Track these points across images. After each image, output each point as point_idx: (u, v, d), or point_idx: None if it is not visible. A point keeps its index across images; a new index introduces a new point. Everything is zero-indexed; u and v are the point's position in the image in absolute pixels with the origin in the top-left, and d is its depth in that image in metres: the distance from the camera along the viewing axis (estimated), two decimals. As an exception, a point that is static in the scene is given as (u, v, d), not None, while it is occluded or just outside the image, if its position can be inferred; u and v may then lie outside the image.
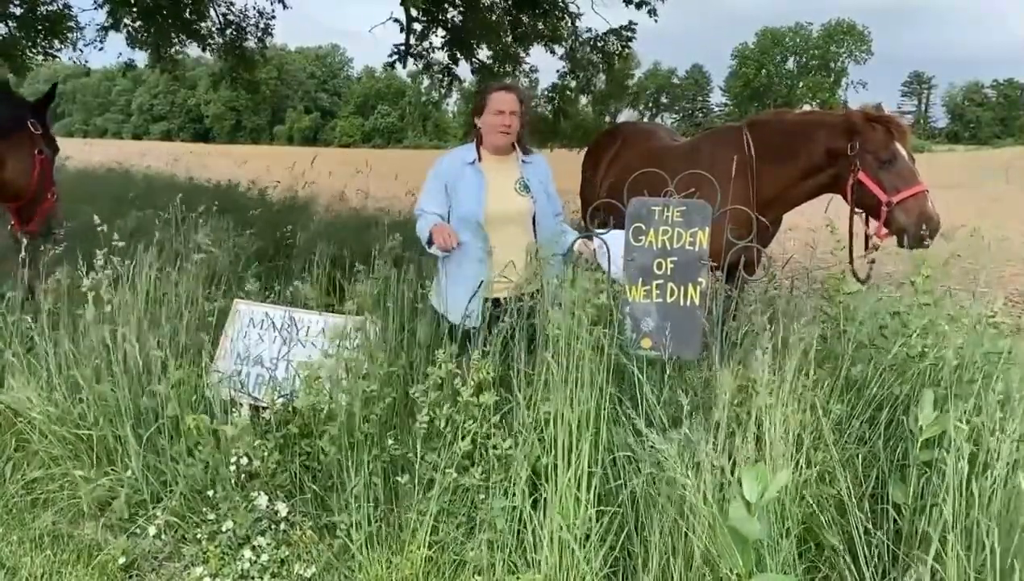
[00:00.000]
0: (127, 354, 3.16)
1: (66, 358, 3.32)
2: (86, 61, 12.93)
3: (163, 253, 3.80)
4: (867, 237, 3.81)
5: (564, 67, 11.67)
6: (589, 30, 11.46)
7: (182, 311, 3.58)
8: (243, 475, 2.91)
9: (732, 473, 2.31)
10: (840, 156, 3.84)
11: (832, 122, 3.98)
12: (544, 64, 11.99)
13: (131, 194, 8.75)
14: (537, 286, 3.12)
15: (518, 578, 2.52)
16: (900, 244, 3.71)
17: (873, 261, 3.74)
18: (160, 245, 3.77)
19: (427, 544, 2.65)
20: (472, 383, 2.73)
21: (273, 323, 3.47)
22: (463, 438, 2.72)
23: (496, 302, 3.30)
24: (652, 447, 2.40)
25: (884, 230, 3.72)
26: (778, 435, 2.40)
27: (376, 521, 2.75)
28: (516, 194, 3.52)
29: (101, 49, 12.16)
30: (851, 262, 3.82)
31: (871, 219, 3.84)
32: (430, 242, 3.35)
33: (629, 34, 11.00)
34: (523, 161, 3.62)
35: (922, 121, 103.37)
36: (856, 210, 3.89)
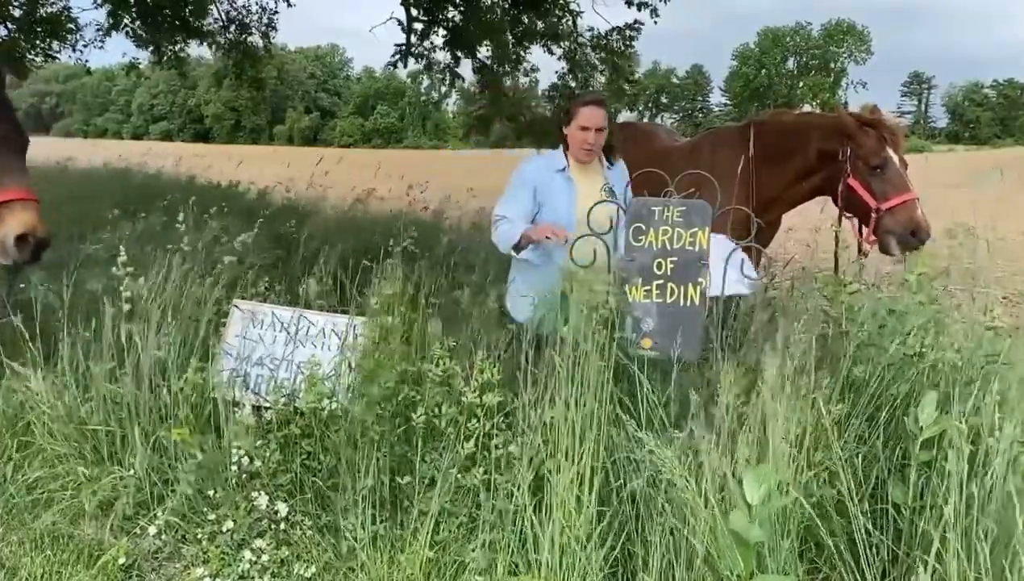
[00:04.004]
0: (140, 353, 3.16)
1: (85, 351, 3.31)
2: (86, 61, 12.95)
3: (184, 256, 3.75)
4: (859, 242, 3.81)
5: (564, 68, 11.69)
6: (591, 29, 11.49)
7: (198, 313, 3.58)
8: (244, 475, 2.91)
9: (733, 475, 2.32)
10: (832, 159, 3.84)
11: (825, 125, 3.98)
12: (545, 63, 12.01)
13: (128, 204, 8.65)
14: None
15: (519, 579, 2.52)
16: (882, 250, 3.71)
17: (863, 266, 3.74)
18: (175, 250, 3.73)
19: (428, 545, 2.66)
20: (476, 383, 2.73)
21: (282, 323, 3.47)
22: (467, 439, 2.72)
23: None
24: (651, 451, 2.40)
25: (873, 236, 3.72)
26: (780, 436, 2.40)
27: (382, 521, 2.75)
28: (604, 200, 3.40)
29: (101, 47, 12.19)
30: (836, 266, 3.82)
31: (862, 224, 3.84)
32: (518, 246, 3.28)
33: (632, 33, 11.04)
34: (606, 167, 3.58)
35: (922, 121, 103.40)
36: (847, 214, 3.89)
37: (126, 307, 3.20)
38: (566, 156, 3.51)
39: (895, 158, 3.70)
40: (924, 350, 2.74)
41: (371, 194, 9.80)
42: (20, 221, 2.92)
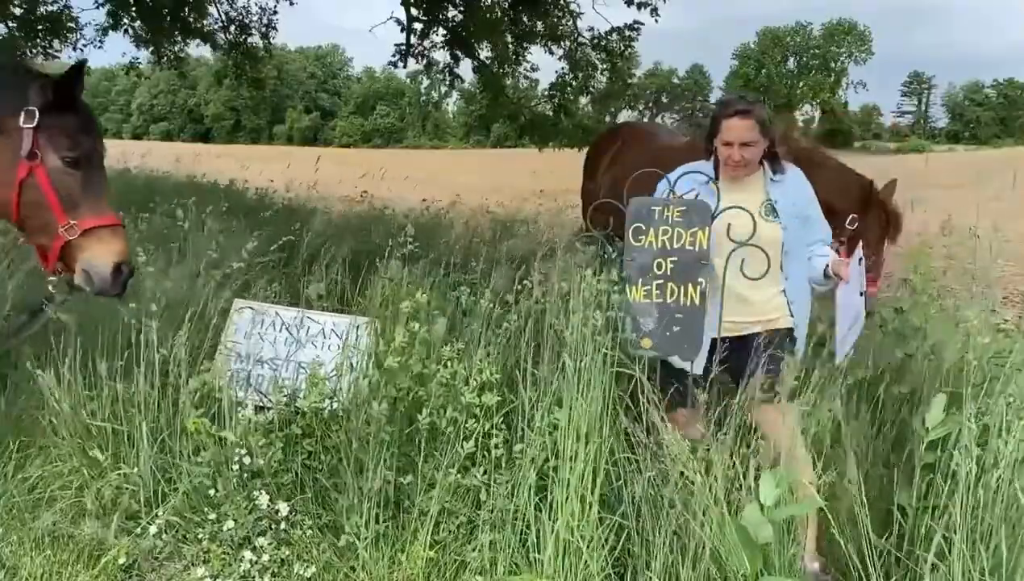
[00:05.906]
0: (145, 353, 3.15)
1: (93, 350, 3.30)
2: (86, 61, 12.92)
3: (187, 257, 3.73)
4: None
5: (563, 68, 11.70)
6: (591, 29, 11.49)
7: (204, 313, 3.57)
8: (245, 474, 2.91)
9: (731, 484, 2.33)
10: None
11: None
12: (545, 63, 12.00)
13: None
14: (788, 323, 2.99)
15: (520, 578, 2.52)
16: None
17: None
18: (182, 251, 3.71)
19: (428, 544, 2.65)
20: (475, 383, 2.73)
21: (284, 323, 3.46)
22: (467, 439, 2.71)
23: (727, 340, 2.93)
24: (661, 445, 2.41)
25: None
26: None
27: (384, 521, 2.75)
28: (760, 220, 2.97)
29: (101, 47, 12.18)
30: None
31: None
32: None
33: (632, 33, 11.04)
34: (772, 180, 3.09)
35: (922, 121, 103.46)
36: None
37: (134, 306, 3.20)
38: (716, 168, 3.12)
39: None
40: (930, 357, 2.73)
41: (371, 194, 9.79)
42: (113, 250, 2.61)
